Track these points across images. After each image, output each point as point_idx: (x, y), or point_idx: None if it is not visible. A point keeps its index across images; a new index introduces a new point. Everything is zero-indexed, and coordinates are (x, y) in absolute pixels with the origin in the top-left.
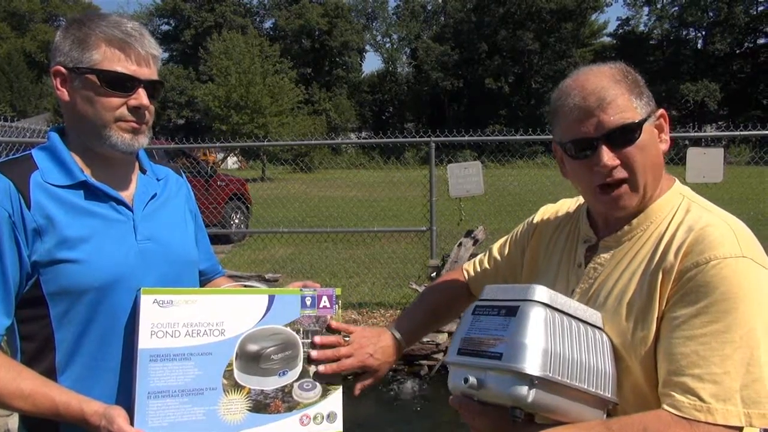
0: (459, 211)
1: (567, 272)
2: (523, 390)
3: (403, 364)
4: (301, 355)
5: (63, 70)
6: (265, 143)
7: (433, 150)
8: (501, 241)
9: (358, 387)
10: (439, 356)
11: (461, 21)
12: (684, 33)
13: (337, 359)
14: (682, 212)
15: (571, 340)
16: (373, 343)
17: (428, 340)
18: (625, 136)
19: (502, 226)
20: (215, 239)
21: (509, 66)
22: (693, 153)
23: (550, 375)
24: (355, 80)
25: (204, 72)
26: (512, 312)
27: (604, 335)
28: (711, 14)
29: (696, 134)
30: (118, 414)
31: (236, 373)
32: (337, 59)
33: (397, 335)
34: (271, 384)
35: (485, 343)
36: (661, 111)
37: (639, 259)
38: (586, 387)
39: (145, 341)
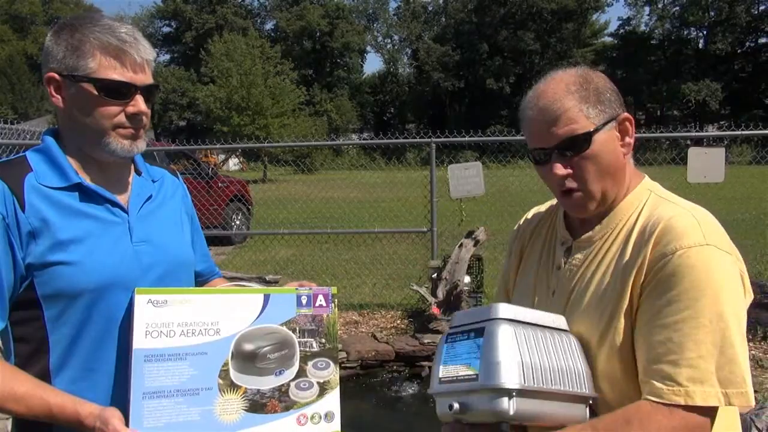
0: (460, 211)
1: (546, 275)
2: (504, 404)
3: (404, 366)
4: (298, 355)
5: (57, 77)
6: (267, 144)
7: (434, 151)
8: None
9: None
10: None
11: (462, 21)
12: (685, 32)
13: None
14: (649, 207)
15: (540, 348)
16: None
17: (429, 341)
18: (573, 147)
19: (503, 226)
20: (216, 241)
21: (510, 66)
22: (694, 153)
23: (527, 384)
24: (356, 81)
25: (205, 74)
26: (480, 333)
27: (571, 337)
28: (712, 14)
29: (698, 134)
30: (113, 415)
31: (232, 373)
32: (338, 60)
33: None
34: (267, 383)
35: (462, 368)
36: (625, 115)
37: (609, 256)
38: (563, 388)
39: (139, 341)
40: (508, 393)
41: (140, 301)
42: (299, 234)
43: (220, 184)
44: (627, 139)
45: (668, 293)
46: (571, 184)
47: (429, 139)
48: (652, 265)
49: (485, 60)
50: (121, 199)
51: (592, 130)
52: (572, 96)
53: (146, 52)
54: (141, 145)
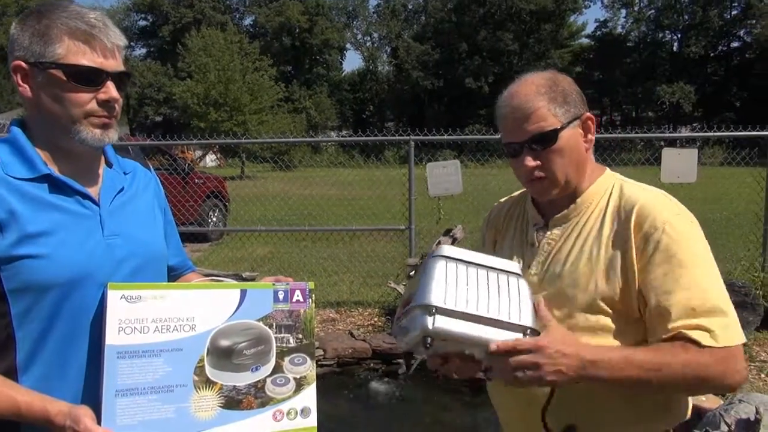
0: (438, 209)
1: (521, 252)
2: (427, 319)
3: (380, 363)
4: (274, 350)
5: (24, 65)
6: (244, 141)
7: (412, 149)
8: None
9: None
10: (417, 355)
11: (442, 20)
12: (660, 35)
13: None
14: (618, 189)
15: (472, 280)
16: None
17: None
18: (542, 142)
19: (480, 224)
20: (193, 238)
21: (489, 66)
22: (668, 153)
23: (448, 305)
24: (335, 78)
25: (182, 69)
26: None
27: (519, 279)
28: (686, 17)
29: (671, 135)
30: (85, 413)
31: (208, 369)
32: (318, 57)
33: None
34: (243, 380)
35: (407, 302)
36: (587, 115)
37: (587, 229)
38: (490, 315)
39: (112, 338)
40: (429, 309)
41: (113, 296)
42: (277, 231)
43: (196, 181)
44: (589, 136)
45: (673, 258)
46: (539, 173)
47: (408, 137)
48: (645, 237)
49: (464, 59)
50: (92, 191)
51: (558, 127)
52: (542, 97)
53: (116, 37)
54: (112, 135)
